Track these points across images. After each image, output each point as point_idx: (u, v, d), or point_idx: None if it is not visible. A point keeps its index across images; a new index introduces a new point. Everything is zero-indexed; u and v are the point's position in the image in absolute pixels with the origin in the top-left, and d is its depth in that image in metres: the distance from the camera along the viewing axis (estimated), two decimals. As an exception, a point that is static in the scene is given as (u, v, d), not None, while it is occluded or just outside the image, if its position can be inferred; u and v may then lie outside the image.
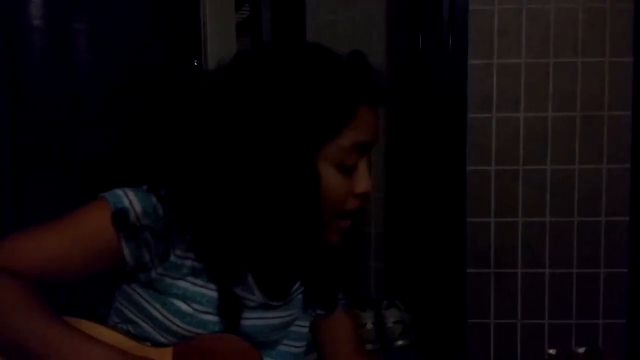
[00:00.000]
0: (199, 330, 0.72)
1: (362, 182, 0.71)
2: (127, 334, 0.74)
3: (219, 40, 1.90)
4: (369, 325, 1.95)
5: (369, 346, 1.70)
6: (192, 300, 0.72)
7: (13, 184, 1.61)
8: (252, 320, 0.76)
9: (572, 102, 1.59)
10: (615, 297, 1.60)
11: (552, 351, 0.79)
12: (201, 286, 0.72)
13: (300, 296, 0.83)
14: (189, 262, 0.72)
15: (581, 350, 0.79)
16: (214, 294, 0.72)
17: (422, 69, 1.63)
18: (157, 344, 0.73)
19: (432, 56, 1.61)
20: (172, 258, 0.71)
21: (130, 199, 0.69)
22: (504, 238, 1.62)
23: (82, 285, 0.82)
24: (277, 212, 0.68)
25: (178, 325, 0.72)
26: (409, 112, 1.75)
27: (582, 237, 1.60)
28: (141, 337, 0.74)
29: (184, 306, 0.71)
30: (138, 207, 0.69)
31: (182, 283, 0.72)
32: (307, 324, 0.84)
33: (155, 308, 0.72)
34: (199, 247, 0.71)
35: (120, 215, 0.68)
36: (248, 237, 0.70)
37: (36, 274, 0.69)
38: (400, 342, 1.72)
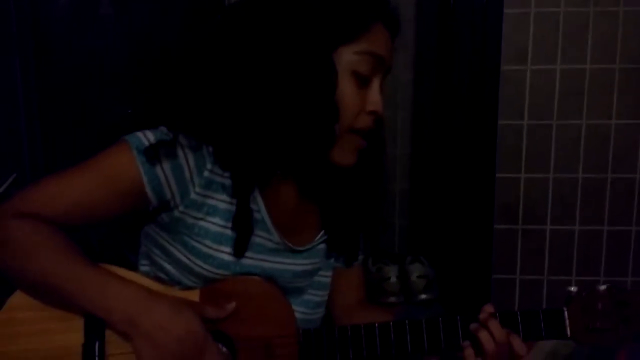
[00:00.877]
0: (220, 271, 0.73)
1: (374, 99, 0.73)
2: (155, 278, 0.76)
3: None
4: (393, 279, 1.97)
5: (392, 299, 1.72)
6: (213, 240, 0.73)
7: (42, 132, 1.63)
8: (275, 264, 0.78)
9: (611, 54, 1.52)
10: (645, 256, 1.58)
11: (573, 288, 0.77)
12: (222, 226, 0.73)
13: (322, 246, 0.84)
14: (211, 201, 0.73)
15: (603, 287, 0.77)
16: (231, 233, 0.73)
17: (454, 17, 1.56)
18: (184, 287, 0.75)
19: (465, 4, 1.54)
20: (193, 195, 0.72)
21: (148, 138, 0.71)
22: (533, 194, 1.59)
23: (113, 234, 0.83)
24: (297, 105, 0.70)
25: (201, 267, 0.73)
26: (438, 63, 1.70)
27: (614, 195, 1.57)
28: (169, 281, 0.76)
29: (204, 248, 0.73)
30: (154, 140, 0.70)
31: (203, 223, 0.73)
32: (329, 273, 0.85)
33: (178, 250, 0.74)
34: (223, 155, 0.72)
35: (140, 149, 0.70)
36: (268, 134, 0.71)
37: (62, 218, 0.70)
38: (423, 296, 1.74)
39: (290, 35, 0.70)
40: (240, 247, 0.74)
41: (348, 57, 0.71)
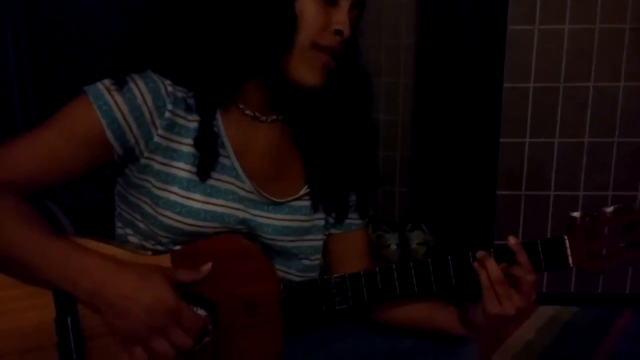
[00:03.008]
0: (190, 220, 0.71)
1: (341, 19, 0.70)
2: (128, 245, 0.74)
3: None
4: (393, 246, 1.96)
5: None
6: (180, 186, 0.71)
7: (35, 97, 1.60)
8: (252, 215, 0.75)
9: (621, 13, 1.46)
10: (650, 221, 1.56)
11: (576, 214, 0.72)
12: (188, 171, 0.71)
13: (307, 202, 0.80)
14: (175, 145, 0.71)
15: (610, 209, 0.71)
16: (199, 180, 0.72)
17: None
18: (156, 246, 0.72)
19: (471, -39, 1.48)
20: (156, 138, 0.70)
21: (104, 83, 0.69)
22: (537, 159, 1.56)
23: (109, 201, 0.80)
24: (254, 10, 0.68)
25: (169, 217, 0.71)
26: (441, 23, 1.65)
27: (620, 159, 1.54)
28: (141, 238, 0.73)
29: (172, 196, 0.71)
30: (117, 96, 0.68)
31: (169, 169, 0.71)
32: (320, 237, 0.82)
33: (146, 203, 0.72)
34: (184, 71, 0.70)
35: (99, 100, 0.68)
36: (224, 40, 0.69)
37: (27, 180, 0.67)
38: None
39: None
40: (204, 169, 0.71)
41: None
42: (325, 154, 0.79)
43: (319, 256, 0.82)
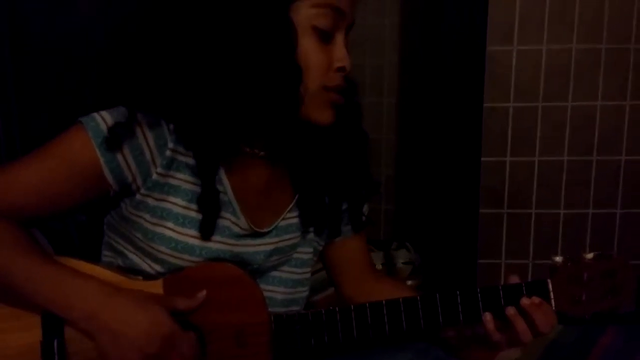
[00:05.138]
0: (185, 256, 0.70)
1: (340, 55, 0.70)
2: (117, 269, 0.73)
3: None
4: (379, 266, 1.95)
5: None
6: (176, 222, 0.70)
7: (20, 120, 1.59)
8: (244, 247, 0.74)
9: (598, 34, 1.49)
10: (631, 239, 1.57)
11: (557, 258, 0.73)
12: (184, 207, 0.70)
13: (295, 220, 0.80)
14: (173, 181, 0.70)
15: (589, 255, 0.73)
16: (195, 215, 0.70)
17: (439, -2, 1.53)
18: (148, 277, 0.71)
19: (450, -16, 1.50)
20: (154, 176, 0.69)
21: (104, 118, 0.67)
22: (519, 178, 1.57)
23: (93, 226, 0.80)
24: (257, 69, 0.66)
25: (163, 252, 0.70)
26: (423, 44, 1.67)
27: (599, 177, 1.55)
28: (132, 270, 0.72)
29: (167, 231, 0.70)
30: (112, 122, 0.67)
31: (165, 204, 0.70)
32: (309, 250, 0.82)
33: (138, 238, 0.71)
34: (185, 132, 0.69)
35: (97, 132, 0.66)
36: (229, 102, 0.67)
37: (20, 209, 0.67)
38: (409, 283, 1.72)
39: None
40: (206, 229, 0.70)
41: (306, 12, 0.67)
42: (313, 165, 0.79)
43: (308, 269, 0.81)
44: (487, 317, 0.71)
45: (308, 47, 0.68)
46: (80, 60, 1.69)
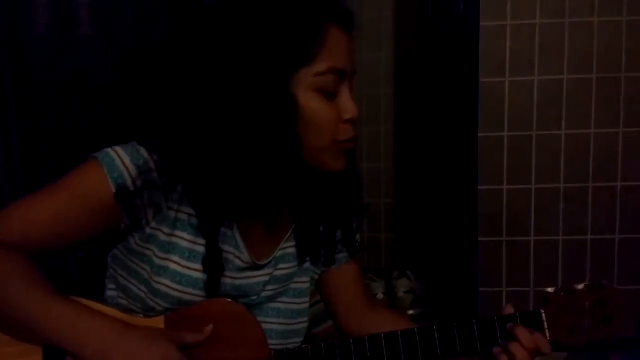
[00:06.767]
0: (189, 289, 0.71)
1: (348, 107, 0.71)
2: (119, 306, 0.74)
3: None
4: (380, 295, 1.95)
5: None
6: (182, 256, 0.71)
7: (21, 160, 1.60)
8: (245, 279, 0.76)
9: (588, 64, 1.53)
10: (630, 264, 1.57)
11: (550, 289, 0.75)
12: (191, 241, 0.71)
13: (291, 250, 0.81)
14: (181, 216, 0.71)
15: (581, 286, 0.75)
16: (202, 249, 0.72)
17: (433, 33, 1.57)
18: (149, 312, 0.72)
19: (443, 19, 1.55)
20: (165, 211, 0.70)
21: (122, 158, 0.68)
22: (516, 205, 1.59)
23: (92, 262, 0.81)
24: (260, 144, 0.68)
25: (168, 286, 0.71)
26: (418, 78, 1.70)
27: (597, 203, 1.57)
28: (134, 303, 0.74)
29: (172, 265, 0.71)
30: (132, 167, 0.68)
31: (173, 239, 0.71)
32: (306, 279, 0.83)
33: (145, 271, 0.72)
34: (189, 194, 0.70)
35: (120, 189, 0.67)
36: (235, 175, 0.69)
37: (33, 244, 0.68)
38: (411, 312, 1.72)
39: (243, 70, 0.67)
40: (211, 288, 0.72)
41: (309, 80, 0.69)
42: (310, 196, 0.81)
43: (306, 299, 0.83)
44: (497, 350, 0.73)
45: (315, 107, 0.69)
46: (84, 97, 1.72)
